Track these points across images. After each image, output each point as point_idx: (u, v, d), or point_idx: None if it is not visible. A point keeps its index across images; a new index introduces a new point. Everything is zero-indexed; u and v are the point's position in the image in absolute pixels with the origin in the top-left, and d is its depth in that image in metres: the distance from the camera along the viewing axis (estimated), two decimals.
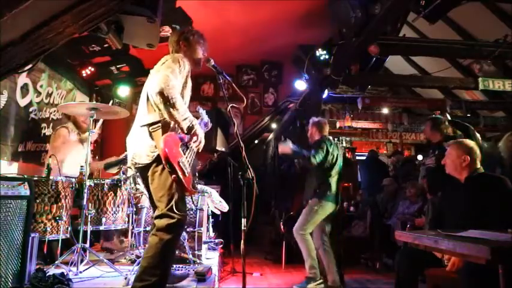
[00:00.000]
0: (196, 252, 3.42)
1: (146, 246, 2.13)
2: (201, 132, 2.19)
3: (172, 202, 2.02)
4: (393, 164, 7.33)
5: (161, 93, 1.95)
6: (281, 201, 6.77)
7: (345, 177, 4.44)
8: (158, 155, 2.04)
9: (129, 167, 2.25)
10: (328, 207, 3.70)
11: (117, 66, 5.00)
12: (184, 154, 2.09)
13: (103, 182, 3.24)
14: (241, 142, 2.26)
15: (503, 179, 2.29)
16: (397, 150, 8.68)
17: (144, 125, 2.09)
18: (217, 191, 4.44)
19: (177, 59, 2.15)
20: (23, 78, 3.79)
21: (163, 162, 1.96)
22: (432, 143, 3.80)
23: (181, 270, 2.95)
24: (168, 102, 1.96)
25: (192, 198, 3.33)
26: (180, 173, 1.96)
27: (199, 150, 2.25)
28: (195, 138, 2.15)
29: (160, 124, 2.06)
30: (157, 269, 1.98)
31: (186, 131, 2.06)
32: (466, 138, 2.98)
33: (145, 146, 2.09)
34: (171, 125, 2.09)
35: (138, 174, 2.87)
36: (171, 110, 1.97)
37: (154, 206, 2.20)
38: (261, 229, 6.88)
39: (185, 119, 2.03)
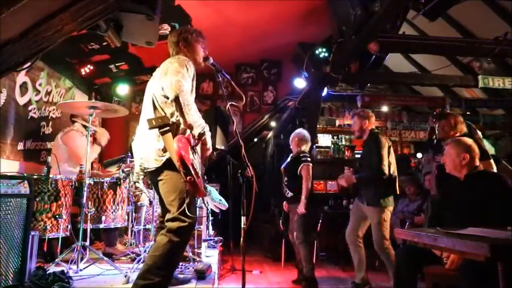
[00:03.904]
0: (196, 250, 3.43)
1: (153, 244, 2.13)
2: (209, 139, 2.19)
3: (184, 206, 2.01)
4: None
5: (177, 100, 1.96)
6: (280, 199, 6.76)
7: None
8: (167, 159, 2.03)
9: (137, 173, 2.24)
10: None
11: (116, 64, 4.99)
12: (194, 157, 2.10)
13: (102, 180, 3.24)
14: (240, 140, 2.26)
15: (503, 176, 2.29)
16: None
17: (152, 128, 2.05)
18: (216, 189, 4.44)
19: (183, 63, 2.12)
20: (22, 77, 3.78)
21: (178, 163, 1.92)
22: (436, 139, 3.72)
23: (182, 269, 2.95)
24: (184, 108, 1.97)
25: (203, 199, 3.33)
26: (194, 175, 1.95)
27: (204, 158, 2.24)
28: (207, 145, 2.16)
29: (169, 127, 2.04)
30: (162, 270, 1.97)
31: (197, 137, 2.07)
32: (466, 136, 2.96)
33: (152, 150, 2.09)
34: (180, 128, 2.08)
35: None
36: (186, 116, 1.99)
37: (164, 208, 2.19)
38: (261, 227, 6.88)
39: (198, 126, 2.06)
